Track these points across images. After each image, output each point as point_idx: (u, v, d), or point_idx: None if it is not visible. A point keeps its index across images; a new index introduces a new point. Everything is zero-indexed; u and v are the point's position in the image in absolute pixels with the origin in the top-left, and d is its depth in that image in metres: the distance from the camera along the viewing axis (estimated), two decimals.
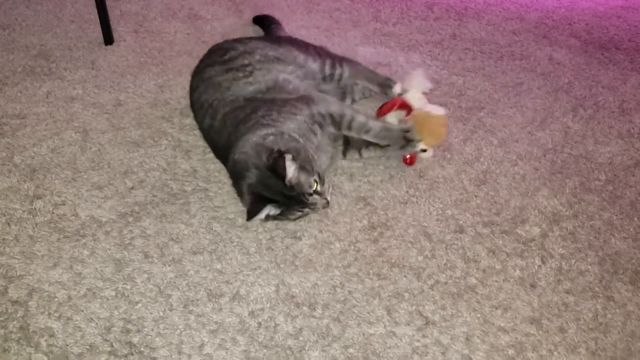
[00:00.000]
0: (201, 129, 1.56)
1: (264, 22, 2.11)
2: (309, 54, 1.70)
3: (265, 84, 1.50)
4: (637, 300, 1.27)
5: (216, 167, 1.53)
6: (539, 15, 2.41)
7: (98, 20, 1.98)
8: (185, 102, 1.75)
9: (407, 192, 1.51)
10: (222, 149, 1.45)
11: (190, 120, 1.68)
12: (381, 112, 1.63)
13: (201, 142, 1.60)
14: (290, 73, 1.59)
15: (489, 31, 2.25)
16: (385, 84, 1.81)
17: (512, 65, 2.05)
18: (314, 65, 1.70)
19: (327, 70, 1.72)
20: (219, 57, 1.59)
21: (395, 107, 1.61)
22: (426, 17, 2.32)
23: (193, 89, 1.59)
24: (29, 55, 1.93)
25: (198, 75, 1.59)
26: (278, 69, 1.57)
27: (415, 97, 1.62)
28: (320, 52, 1.75)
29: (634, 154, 1.68)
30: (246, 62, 1.56)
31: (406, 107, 1.61)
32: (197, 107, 1.55)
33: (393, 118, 1.62)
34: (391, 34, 2.19)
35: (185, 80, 1.85)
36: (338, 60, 1.77)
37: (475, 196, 1.51)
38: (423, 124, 1.54)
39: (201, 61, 1.64)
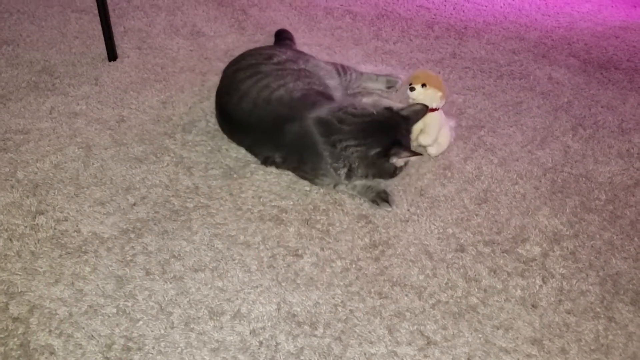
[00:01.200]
0: (230, 110, 1.61)
1: (280, 34, 2.14)
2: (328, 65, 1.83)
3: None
4: (639, 321, 1.27)
5: (218, 184, 1.54)
6: (539, 34, 2.43)
7: (102, 37, 1.99)
8: (188, 118, 1.76)
9: (409, 210, 1.52)
10: (267, 128, 1.54)
11: (192, 137, 1.69)
12: None
13: (203, 159, 1.61)
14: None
15: (488, 50, 2.27)
16: (390, 81, 1.92)
17: (511, 84, 2.06)
18: (334, 73, 1.80)
19: (341, 76, 1.81)
20: (264, 59, 1.68)
21: None
22: (427, 35, 2.34)
23: (230, 76, 1.66)
24: (33, 70, 1.94)
25: (237, 66, 1.68)
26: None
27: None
28: (330, 62, 1.86)
29: (634, 173, 1.69)
30: (295, 67, 1.68)
31: None
32: (234, 92, 1.60)
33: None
34: (392, 52, 2.21)
35: (187, 97, 1.86)
36: (343, 66, 1.86)
37: (476, 215, 1.51)
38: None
39: (241, 58, 1.73)
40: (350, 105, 1.53)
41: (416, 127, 1.63)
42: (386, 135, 1.48)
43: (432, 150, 1.67)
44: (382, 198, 1.52)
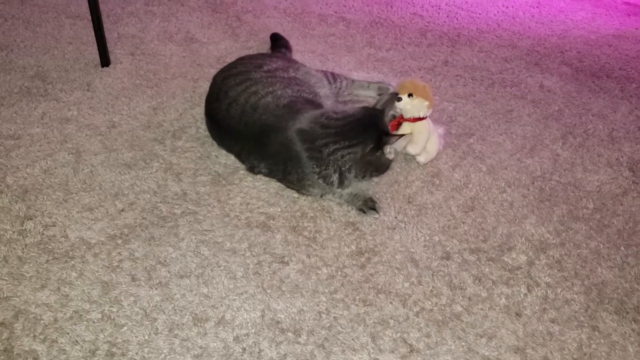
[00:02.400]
0: (219, 116, 1.61)
1: (278, 42, 2.15)
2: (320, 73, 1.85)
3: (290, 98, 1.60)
4: (622, 330, 1.28)
5: (206, 190, 1.55)
6: (531, 42, 2.44)
7: (95, 42, 2.00)
8: (178, 124, 1.77)
9: (396, 217, 1.52)
10: (253, 136, 1.55)
11: (182, 143, 1.70)
12: None
13: (192, 165, 1.62)
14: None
15: (480, 58, 2.28)
16: (382, 88, 1.94)
17: (502, 92, 2.07)
18: (325, 81, 1.82)
19: (332, 84, 1.83)
20: (255, 68, 1.69)
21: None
22: (419, 43, 2.35)
23: (220, 83, 1.66)
24: (25, 76, 1.95)
25: (227, 73, 1.69)
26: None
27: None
28: (321, 70, 1.89)
29: (622, 182, 1.70)
30: (285, 75, 1.68)
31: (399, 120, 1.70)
32: (223, 99, 1.60)
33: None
34: (384, 59, 2.22)
35: (178, 103, 1.87)
36: (333, 74, 1.88)
37: (463, 223, 1.52)
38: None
39: (231, 65, 1.74)
40: (330, 110, 1.54)
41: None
42: (373, 130, 1.47)
43: (421, 159, 1.67)
44: (369, 206, 1.52)
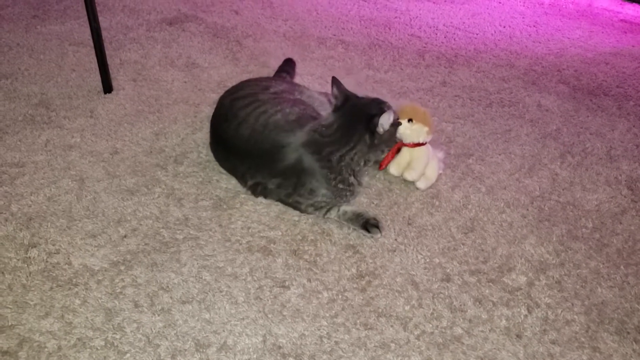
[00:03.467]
0: (227, 136, 1.64)
1: (284, 66, 2.16)
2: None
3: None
4: (623, 351, 1.28)
5: (208, 215, 1.56)
6: (529, 62, 2.47)
7: (98, 69, 2.04)
8: (180, 149, 1.80)
9: (396, 239, 1.54)
10: (264, 153, 1.57)
11: (184, 168, 1.72)
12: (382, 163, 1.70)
13: (194, 190, 1.64)
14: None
15: (478, 78, 2.30)
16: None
17: (501, 112, 2.09)
18: (327, 104, 1.84)
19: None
20: (261, 89, 1.74)
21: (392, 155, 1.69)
22: (417, 64, 2.38)
23: (228, 105, 1.69)
24: (30, 104, 1.98)
25: (235, 95, 1.72)
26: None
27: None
28: (323, 93, 1.95)
29: (621, 201, 1.71)
30: (291, 97, 1.74)
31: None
32: (232, 119, 1.63)
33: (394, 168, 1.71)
34: (383, 81, 2.25)
35: (180, 128, 1.90)
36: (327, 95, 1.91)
37: (463, 244, 1.53)
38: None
39: (238, 87, 1.78)
40: (322, 119, 1.59)
41: (402, 162, 1.67)
42: (361, 123, 1.51)
43: (420, 185, 1.68)
44: (372, 224, 1.54)
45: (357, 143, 1.51)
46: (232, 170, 1.69)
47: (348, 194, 1.56)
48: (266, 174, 1.58)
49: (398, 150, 1.71)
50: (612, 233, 1.59)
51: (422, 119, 1.67)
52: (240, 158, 1.63)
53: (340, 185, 1.53)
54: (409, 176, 1.67)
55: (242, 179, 1.65)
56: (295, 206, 1.59)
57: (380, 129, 1.50)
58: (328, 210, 1.58)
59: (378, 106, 1.53)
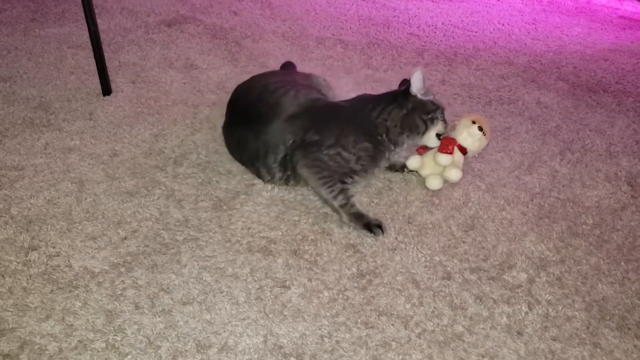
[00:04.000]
0: (261, 111, 1.70)
1: (284, 69, 2.19)
2: None
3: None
4: (624, 346, 1.28)
5: (208, 216, 1.57)
6: (528, 59, 2.47)
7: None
8: (179, 150, 1.80)
9: (396, 238, 1.54)
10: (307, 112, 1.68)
11: (183, 169, 1.72)
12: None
13: (194, 191, 1.64)
14: None
15: (477, 76, 2.30)
16: None
17: (500, 109, 2.09)
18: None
19: None
20: (283, 74, 1.95)
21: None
22: (416, 63, 2.38)
23: (260, 88, 1.77)
24: (29, 107, 1.98)
25: (265, 80, 1.81)
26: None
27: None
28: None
29: (621, 197, 1.71)
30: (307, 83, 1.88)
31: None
32: (268, 95, 1.72)
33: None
34: (382, 80, 2.24)
35: (179, 129, 1.90)
36: None
37: (463, 242, 1.53)
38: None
39: (262, 75, 1.90)
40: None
41: (439, 163, 1.69)
42: (400, 86, 1.78)
43: (456, 176, 1.70)
44: (374, 224, 1.54)
45: (391, 102, 1.66)
46: (255, 155, 1.66)
47: (382, 148, 1.65)
48: (305, 125, 1.63)
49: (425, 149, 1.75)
50: (612, 229, 1.59)
51: (487, 133, 1.69)
52: (271, 119, 1.65)
53: (379, 138, 1.65)
54: (455, 176, 1.69)
55: (272, 155, 1.64)
56: (327, 163, 1.60)
57: (412, 89, 1.64)
58: (340, 192, 1.58)
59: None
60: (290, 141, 1.62)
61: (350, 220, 1.56)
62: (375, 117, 1.65)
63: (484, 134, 1.67)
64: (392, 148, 1.67)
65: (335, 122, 1.65)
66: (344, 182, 1.59)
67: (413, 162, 1.72)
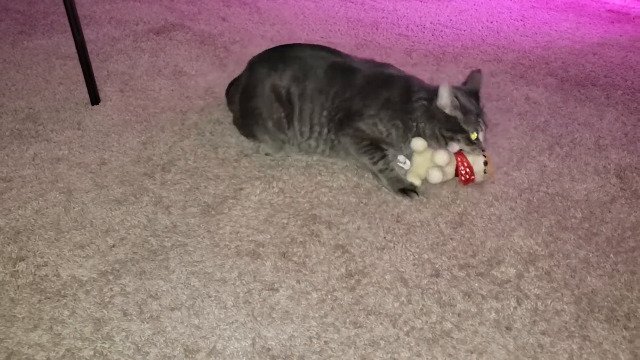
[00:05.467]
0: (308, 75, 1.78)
1: None
2: None
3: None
4: (613, 338, 1.27)
5: (196, 222, 1.56)
6: (516, 55, 2.47)
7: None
8: (167, 157, 1.80)
9: (385, 237, 1.53)
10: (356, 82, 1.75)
11: (171, 176, 1.72)
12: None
13: (182, 197, 1.64)
14: None
15: (466, 74, 2.29)
16: None
17: (489, 106, 2.09)
18: None
19: None
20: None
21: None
22: (405, 63, 2.38)
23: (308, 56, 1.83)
24: (17, 118, 1.98)
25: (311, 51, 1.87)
26: None
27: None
28: None
29: (610, 189, 1.71)
30: None
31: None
32: (317, 61, 1.79)
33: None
34: None
35: (167, 136, 1.90)
36: None
37: (451, 239, 1.53)
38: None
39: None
40: None
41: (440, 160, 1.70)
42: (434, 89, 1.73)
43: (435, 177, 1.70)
44: (410, 189, 1.67)
45: (421, 99, 1.69)
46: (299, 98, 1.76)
47: (409, 133, 1.70)
48: (352, 95, 1.72)
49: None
50: (601, 222, 1.59)
51: (490, 170, 1.70)
52: (332, 92, 1.74)
53: (411, 123, 1.69)
54: (434, 178, 1.69)
55: (301, 101, 1.75)
56: (371, 126, 1.71)
57: (440, 100, 1.64)
58: (381, 158, 1.71)
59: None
60: (329, 116, 1.74)
61: (388, 183, 1.69)
62: (414, 103, 1.69)
63: (485, 172, 1.68)
64: (409, 130, 1.71)
65: (383, 94, 1.71)
66: (382, 149, 1.71)
67: (418, 143, 1.71)
